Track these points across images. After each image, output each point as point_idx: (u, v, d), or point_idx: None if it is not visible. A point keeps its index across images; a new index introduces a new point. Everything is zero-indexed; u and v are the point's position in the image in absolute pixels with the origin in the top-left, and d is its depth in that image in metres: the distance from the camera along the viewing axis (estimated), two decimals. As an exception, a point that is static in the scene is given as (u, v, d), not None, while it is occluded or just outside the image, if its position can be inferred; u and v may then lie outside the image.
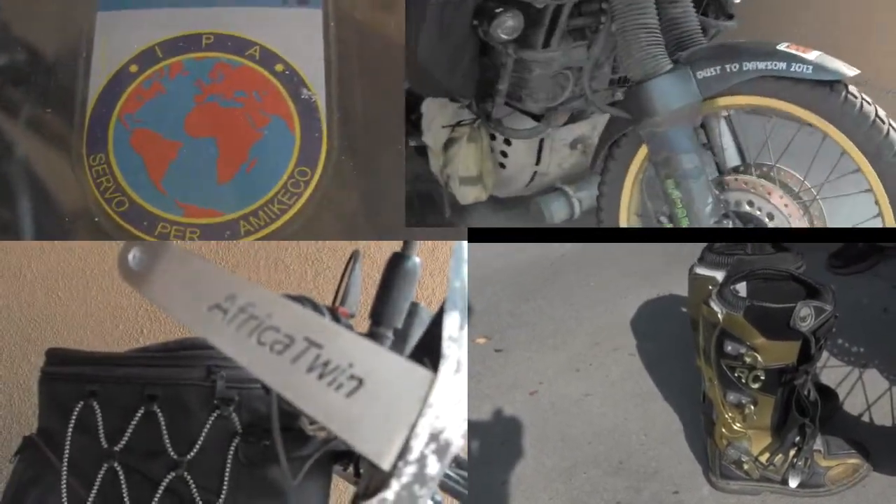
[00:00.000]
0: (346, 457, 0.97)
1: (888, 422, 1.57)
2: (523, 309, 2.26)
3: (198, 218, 0.71)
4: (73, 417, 0.98)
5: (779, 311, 1.30)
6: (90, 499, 0.97)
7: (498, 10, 1.55)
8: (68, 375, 1.02)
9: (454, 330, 0.68)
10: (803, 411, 1.37)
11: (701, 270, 1.50)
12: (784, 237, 1.56)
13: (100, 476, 0.97)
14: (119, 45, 0.71)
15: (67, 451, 0.98)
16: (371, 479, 0.69)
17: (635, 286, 2.26)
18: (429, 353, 0.68)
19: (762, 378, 1.36)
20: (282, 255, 1.57)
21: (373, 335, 0.91)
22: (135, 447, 0.97)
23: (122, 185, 0.70)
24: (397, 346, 0.93)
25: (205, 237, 0.71)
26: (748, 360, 1.34)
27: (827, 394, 1.58)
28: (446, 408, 0.66)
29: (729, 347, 1.35)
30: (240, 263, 1.57)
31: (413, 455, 0.66)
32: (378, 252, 1.10)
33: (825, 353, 1.66)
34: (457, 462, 0.98)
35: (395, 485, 0.66)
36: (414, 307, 0.94)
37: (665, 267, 2.28)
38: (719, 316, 1.34)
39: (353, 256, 1.00)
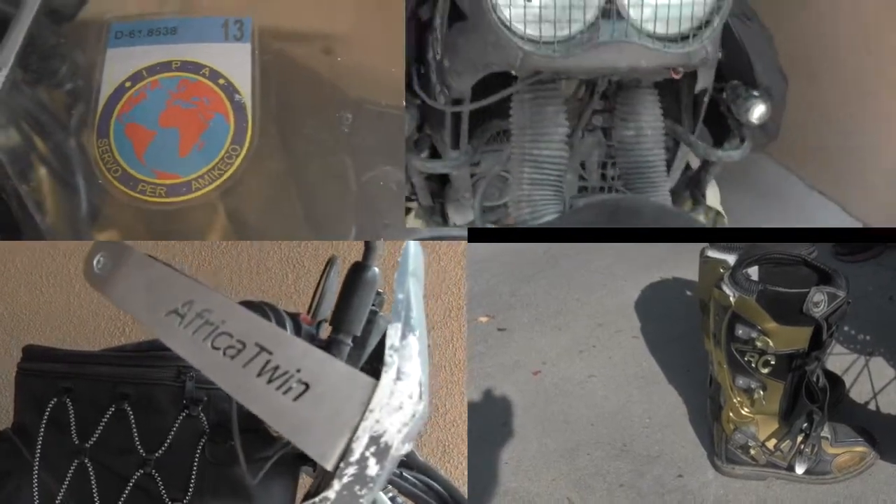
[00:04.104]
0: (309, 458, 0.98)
1: (894, 410, 1.57)
2: (525, 290, 2.24)
3: (165, 180, 0.96)
4: (47, 413, 1.00)
5: (792, 295, 1.29)
6: (60, 493, 0.98)
7: None
8: (43, 372, 1.03)
9: (396, 339, 0.72)
10: (813, 398, 1.36)
11: (712, 253, 1.48)
12: (786, 236, 1.54)
13: (70, 471, 0.98)
14: (119, 70, 1.01)
15: (40, 447, 0.99)
16: (322, 479, 0.72)
17: (637, 269, 2.24)
18: (382, 360, 0.72)
19: (772, 363, 1.35)
20: (264, 259, 1.60)
21: (332, 342, 0.93)
22: (106, 444, 0.98)
23: (118, 160, 0.97)
24: (356, 352, 0.95)
25: (169, 192, 0.96)
26: (759, 344, 1.33)
27: (833, 381, 1.57)
28: (386, 413, 0.70)
29: (740, 331, 1.34)
30: (223, 266, 1.60)
31: (354, 457, 0.69)
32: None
33: (832, 341, 1.65)
34: (420, 468, 0.99)
35: (336, 485, 0.69)
36: (373, 315, 0.96)
37: (667, 250, 2.27)
38: (731, 299, 1.33)
39: (330, 262, 1.03)
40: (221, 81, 1.01)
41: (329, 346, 0.92)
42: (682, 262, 2.09)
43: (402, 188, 1.21)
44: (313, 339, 0.98)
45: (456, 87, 1.27)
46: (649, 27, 1.15)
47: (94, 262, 0.86)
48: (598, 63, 1.18)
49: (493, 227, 1.63)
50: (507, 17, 1.13)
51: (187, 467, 0.97)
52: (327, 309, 1.02)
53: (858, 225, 2.11)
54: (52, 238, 0.97)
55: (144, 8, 1.08)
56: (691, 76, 1.28)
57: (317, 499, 0.70)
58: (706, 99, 1.34)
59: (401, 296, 0.73)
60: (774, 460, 1.43)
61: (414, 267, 0.75)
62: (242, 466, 0.91)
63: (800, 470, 1.41)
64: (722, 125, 1.40)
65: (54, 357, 1.04)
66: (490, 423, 1.65)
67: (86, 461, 0.98)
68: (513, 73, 1.22)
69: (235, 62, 1.02)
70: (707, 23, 1.15)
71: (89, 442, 0.98)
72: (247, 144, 0.99)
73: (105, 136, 0.97)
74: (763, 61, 1.35)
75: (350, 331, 0.93)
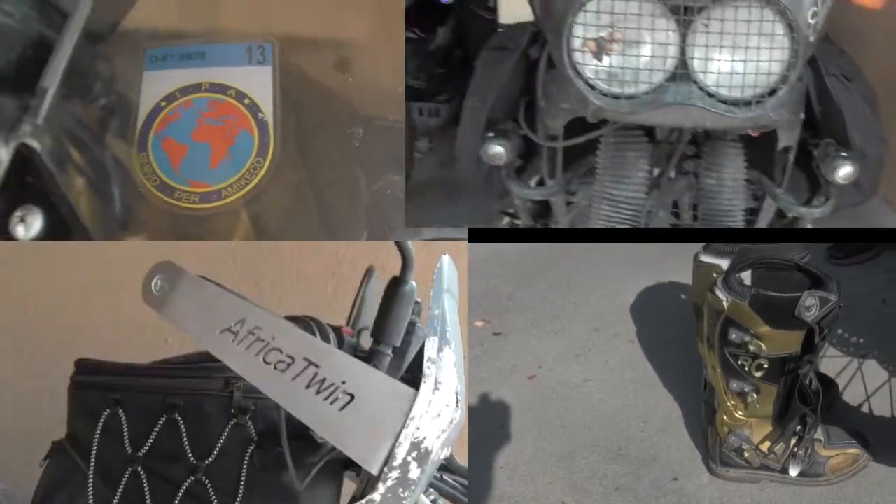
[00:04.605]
0: (355, 463, 1.01)
1: (887, 412, 1.58)
2: (522, 294, 2.25)
3: (198, 188, 1.06)
4: (100, 424, 1.04)
5: (784, 300, 1.30)
6: (115, 500, 1.03)
7: (489, 135, 1.40)
8: (96, 384, 1.07)
9: (433, 352, 0.78)
10: (805, 401, 1.37)
11: (706, 258, 1.50)
12: (784, 237, 1.54)
13: (124, 479, 1.03)
14: (155, 91, 1.12)
15: (94, 456, 1.04)
16: (367, 483, 0.79)
17: (634, 273, 2.26)
18: (421, 370, 0.79)
19: (765, 367, 1.36)
20: (303, 268, 1.69)
21: (374, 353, 1.00)
22: (157, 452, 1.03)
23: (156, 171, 1.08)
24: (396, 362, 1.02)
25: (202, 199, 1.06)
26: (752, 348, 1.34)
27: (826, 384, 1.58)
28: (426, 421, 0.76)
29: (733, 335, 1.35)
30: (262, 277, 1.68)
31: (397, 461, 0.75)
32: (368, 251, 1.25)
33: (825, 344, 1.66)
34: (455, 470, 1.05)
35: (381, 487, 0.76)
36: (412, 327, 1.02)
37: (664, 254, 2.28)
38: (724, 304, 1.34)
39: (368, 272, 1.12)
40: (246, 101, 1.13)
41: (371, 356, 1.00)
42: (678, 265, 2.10)
43: (403, 195, 1.32)
44: (355, 351, 1.05)
45: (550, 124, 1.37)
46: (715, 91, 1.21)
47: (152, 284, 0.93)
48: (663, 120, 1.26)
49: (493, 227, 1.68)
50: (583, 72, 1.21)
51: (236, 474, 1.01)
52: (367, 318, 1.10)
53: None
54: (118, 236, 1.07)
55: (172, 26, 1.20)
56: (772, 133, 1.35)
57: (363, 501, 0.76)
58: (791, 157, 1.40)
59: (437, 311, 0.80)
60: (768, 463, 1.44)
61: (448, 284, 0.82)
62: (291, 472, 0.96)
63: (793, 472, 1.42)
64: (814, 181, 1.47)
65: (106, 370, 1.09)
66: (486, 427, 1.66)
67: (139, 469, 1.03)
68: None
69: (258, 84, 1.13)
70: (773, 91, 1.20)
71: (142, 451, 1.03)
72: (269, 157, 1.10)
73: (144, 149, 1.09)
74: (859, 122, 1.39)
75: (390, 342, 1.00)
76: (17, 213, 0.93)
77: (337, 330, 1.05)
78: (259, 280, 1.66)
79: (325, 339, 1.01)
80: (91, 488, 1.03)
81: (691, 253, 1.57)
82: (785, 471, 1.43)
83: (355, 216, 1.19)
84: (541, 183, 1.52)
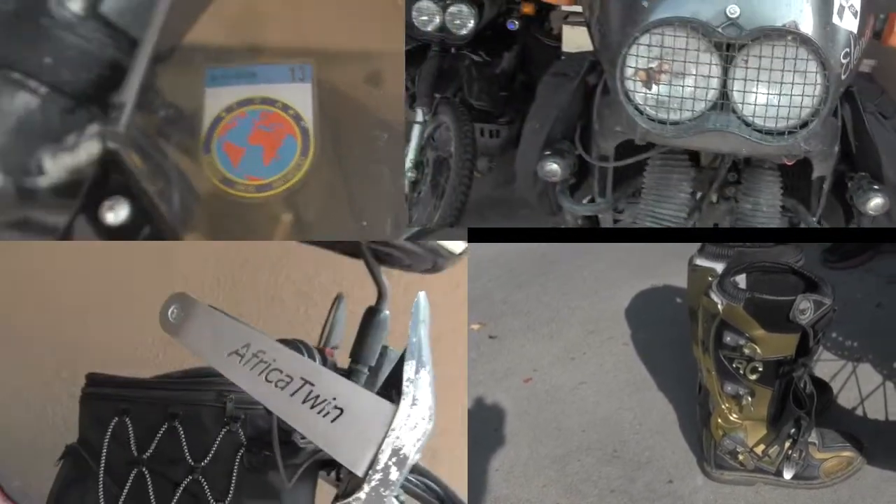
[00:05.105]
0: (330, 465, 1.16)
1: (881, 416, 1.58)
2: (517, 297, 2.26)
3: (254, 181, 1.27)
4: (109, 430, 1.17)
5: (779, 303, 1.30)
6: (122, 497, 1.15)
7: (546, 153, 1.53)
8: (105, 395, 1.21)
9: (411, 374, 0.91)
10: (800, 404, 1.38)
11: (701, 261, 1.50)
12: (782, 236, 1.56)
13: (130, 478, 1.15)
14: (216, 104, 1.32)
15: (104, 458, 1.17)
16: (349, 483, 0.91)
17: (629, 276, 2.26)
18: (395, 387, 0.92)
19: (760, 370, 1.36)
20: (278, 292, 1.83)
21: (352, 371, 1.16)
22: (159, 455, 1.16)
23: (219, 169, 1.27)
24: (371, 379, 1.17)
25: (257, 190, 1.27)
26: (747, 351, 1.35)
27: (821, 387, 1.59)
28: (404, 431, 0.89)
29: (728, 338, 1.35)
30: (242, 300, 1.83)
31: (379, 466, 0.88)
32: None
33: (819, 347, 1.67)
34: (419, 472, 1.18)
35: (365, 487, 0.88)
36: (384, 349, 1.18)
37: (658, 258, 2.29)
38: (719, 307, 1.35)
39: (338, 298, 1.28)
40: (291, 112, 1.33)
41: (350, 374, 1.16)
42: (673, 268, 2.10)
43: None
44: (336, 369, 1.19)
45: (602, 145, 1.49)
46: (752, 121, 1.31)
47: (169, 312, 1.06)
48: (703, 145, 1.39)
49: (493, 227, 1.74)
50: (634, 98, 1.34)
51: (228, 474, 1.14)
52: (337, 338, 1.26)
53: None
54: (181, 231, 1.18)
55: (223, 46, 1.38)
56: (809, 164, 1.45)
57: (350, 499, 0.89)
58: (825, 187, 1.49)
59: (414, 339, 0.93)
60: (763, 466, 1.44)
61: (424, 315, 0.95)
62: (281, 472, 1.10)
63: (788, 475, 1.43)
64: (848, 212, 1.55)
65: (114, 383, 1.23)
66: (482, 430, 1.67)
67: (143, 470, 1.15)
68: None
69: (300, 97, 1.34)
70: (805, 123, 1.30)
71: (146, 454, 1.16)
72: (310, 157, 1.29)
73: (208, 152, 1.28)
74: (893, 158, 1.48)
75: (367, 363, 1.17)
76: (107, 203, 1.07)
77: (321, 351, 1.20)
78: (239, 303, 1.82)
79: (312, 358, 1.15)
80: (101, 486, 1.16)
81: (686, 256, 1.58)
82: (779, 473, 1.44)
83: (381, 209, 1.35)
84: (592, 201, 1.62)
